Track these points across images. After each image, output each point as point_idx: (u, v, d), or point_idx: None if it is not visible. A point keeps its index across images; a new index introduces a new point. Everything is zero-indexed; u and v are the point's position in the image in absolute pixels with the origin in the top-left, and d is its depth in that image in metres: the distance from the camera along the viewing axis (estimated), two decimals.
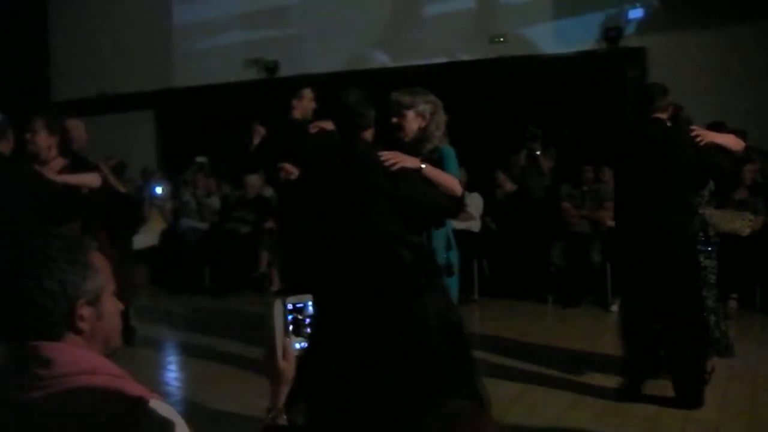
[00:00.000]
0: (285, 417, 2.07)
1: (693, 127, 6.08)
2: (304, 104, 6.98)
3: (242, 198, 11.90)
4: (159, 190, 12.88)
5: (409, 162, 4.69)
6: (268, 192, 11.73)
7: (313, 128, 6.58)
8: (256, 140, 7.06)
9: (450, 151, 5.06)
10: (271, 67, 13.94)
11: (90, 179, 6.22)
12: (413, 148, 4.99)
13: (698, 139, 5.78)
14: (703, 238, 6.24)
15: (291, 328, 2.17)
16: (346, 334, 1.53)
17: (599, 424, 5.58)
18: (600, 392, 6.14)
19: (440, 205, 4.84)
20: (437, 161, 4.94)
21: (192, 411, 5.66)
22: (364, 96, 4.93)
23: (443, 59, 12.78)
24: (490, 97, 12.10)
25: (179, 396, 6.57)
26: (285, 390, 2.10)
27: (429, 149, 5.03)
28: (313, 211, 4.95)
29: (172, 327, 8.81)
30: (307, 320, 2.17)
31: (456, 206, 5.04)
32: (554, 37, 12.28)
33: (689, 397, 5.77)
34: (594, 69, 11.62)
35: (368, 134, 4.88)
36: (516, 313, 9.29)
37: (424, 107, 5.05)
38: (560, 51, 12.10)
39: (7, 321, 1.94)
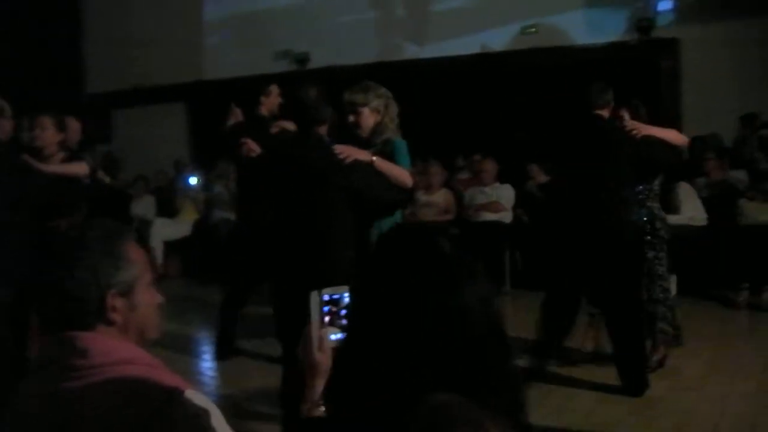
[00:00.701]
0: (321, 408, 2.07)
1: (629, 121, 6.14)
2: (271, 100, 7.19)
3: None
4: (193, 181, 12.95)
5: (361, 155, 4.85)
6: None
7: (274, 128, 6.74)
8: (231, 121, 7.27)
9: (402, 144, 5.20)
10: (302, 59, 13.96)
11: (77, 168, 6.36)
12: (367, 140, 5.16)
13: (634, 132, 5.88)
14: (650, 230, 6.37)
15: (327, 319, 2.15)
16: (385, 326, 1.53)
17: (633, 416, 5.57)
18: None
19: (391, 197, 5.02)
20: (389, 154, 5.10)
21: (225, 401, 5.66)
22: (321, 93, 5.03)
23: (474, 50, 12.75)
24: (522, 88, 12.07)
25: (212, 386, 6.62)
26: (321, 382, 2.09)
27: (382, 141, 5.17)
28: (270, 202, 5.12)
29: (204, 318, 8.84)
30: (343, 311, 2.16)
31: (406, 198, 5.28)
32: (586, 28, 12.24)
33: (633, 383, 5.91)
34: (626, 60, 11.54)
35: (323, 129, 4.97)
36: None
37: (378, 102, 5.17)
38: (592, 42, 12.06)
39: (42, 311, 1.96)
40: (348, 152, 4.78)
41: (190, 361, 7.46)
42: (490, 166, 10.37)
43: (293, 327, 4.84)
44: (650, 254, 6.33)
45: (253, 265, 6.96)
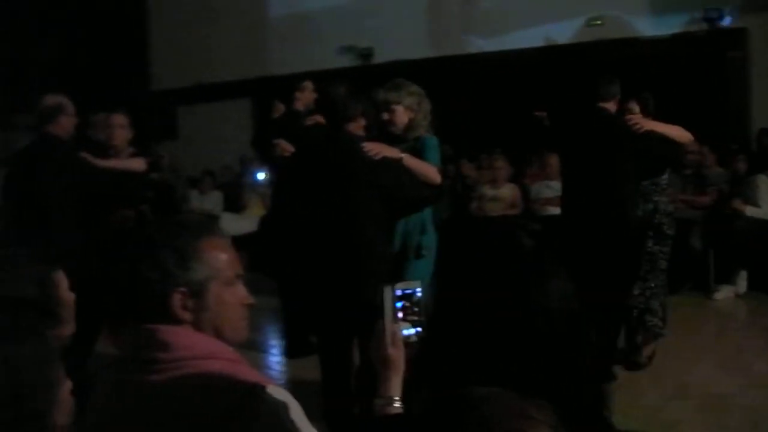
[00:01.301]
0: (397, 405, 2.08)
1: (633, 116, 6.08)
2: (306, 96, 7.16)
3: None
4: (261, 176, 13.03)
5: (390, 152, 4.85)
6: None
7: (309, 121, 6.71)
8: (276, 114, 7.32)
9: (432, 141, 5.22)
10: (366, 54, 13.99)
11: (135, 164, 6.42)
12: (399, 137, 5.18)
13: (636, 127, 5.78)
14: (654, 225, 6.40)
15: (400, 314, 2.15)
16: (467, 323, 1.52)
17: (701, 414, 5.52)
18: (705, 381, 6.06)
19: (419, 194, 5.02)
20: (419, 150, 5.12)
21: (295, 396, 5.68)
22: (351, 90, 5.16)
23: (539, 43, 12.68)
24: (586, 81, 11.94)
25: (282, 381, 6.64)
26: (394, 378, 2.09)
27: (413, 138, 5.20)
28: (301, 199, 5.15)
29: (271, 312, 8.89)
30: (416, 308, 2.16)
31: (435, 194, 5.19)
32: (651, 19, 12.10)
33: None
34: (692, 51, 11.39)
35: (354, 126, 4.97)
36: None
37: (411, 100, 5.19)
38: (657, 33, 11.92)
39: (117, 304, 1.99)
40: (377, 149, 4.80)
41: (258, 356, 7.51)
42: (555, 161, 10.29)
43: (331, 324, 4.92)
44: (654, 248, 6.37)
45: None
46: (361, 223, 4.75)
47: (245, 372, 1.94)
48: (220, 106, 15.46)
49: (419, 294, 2.16)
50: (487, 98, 12.22)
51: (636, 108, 6.29)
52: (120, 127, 6.35)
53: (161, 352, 1.91)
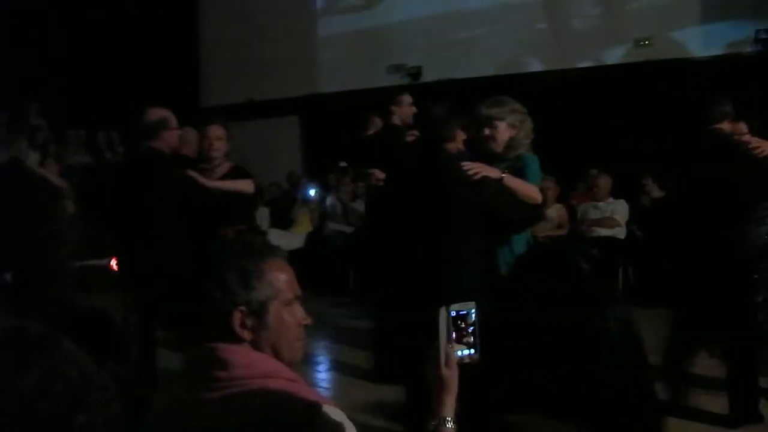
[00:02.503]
0: (450, 426, 2.09)
1: (751, 137, 5.87)
2: (404, 110, 7.10)
3: None
4: (312, 192, 13.12)
5: (491, 172, 4.77)
6: None
7: (409, 136, 6.61)
8: (371, 131, 7.33)
9: (533, 160, 5.11)
10: (414, 73, 14.04)
11: (243, 186, 6.26)
12: (499, 156, 5.09)
13: (757, 151, 5.55)
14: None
15: (454, 335, 2.16)
16: (524, 347, 1.54)
17: None
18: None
19: (520, 214, 4.90)
20: (520, 169, 4.99)
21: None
22: (450, 109, 5.04)
23: (588, 64, 12.65)
24: (636, 102, 11.89)
25: (329, 398, 6.62)
26: (447, 398, 2.11)
27: (513, 156, 5.08)
28: (397, 219, 5.10)
29: (318, 329, 8.92)
30: (470, 328, 2.17)
31: (536, 214, 5.15)
32: (702, 40, 12.02)
33: (743, 412, 5.57)
34: (743, 72, 11.29)
35: (452, 146, 4.94)
36: (661, 321, 9.02)
37: (514, 117, 5.11)
38: (709, 54, 11.84)
39: (179, 322, 2.02)
40: (477, 168, 4.71)
41: (305, 372, 7.47)
42: (603, 182, 10.27)
43: (418, 345, 4.88)
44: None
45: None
46: (458, 243, 4.66)
47: (302, 391, 1.97)
48: (269, 122, 15.56)
49: (474, 315, 2.18)
50: (534, 119, 12.21)
51: (744, 128, 6.18)
52: (218, 139, 6.21)
53: (220, 370, 1.94)
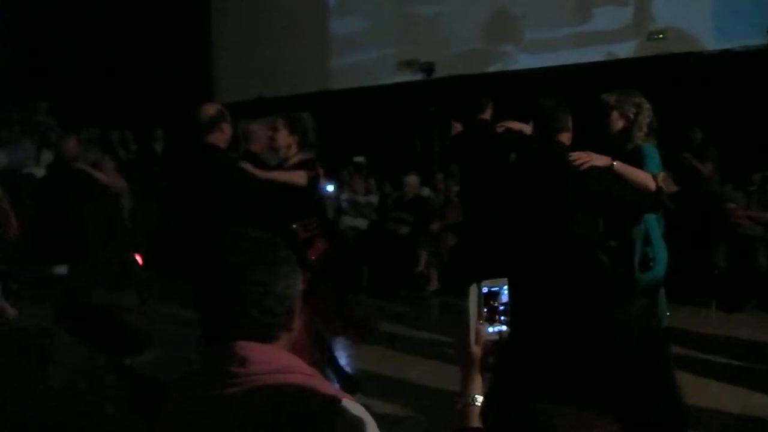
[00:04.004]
0: (479, 403, 2.07)
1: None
2: (491, 109, 7.77)
3: (400, 198, 11.97)
4: (330, 188, 13.11)
5: (600, 161, 4.91)
6: (425, 192, 11.84)
7: (499, 128, 6.92)
8: (453, 132, 7.88)
9: (651, 150, 5.22)
10: (427, 69, 14.02)
11: (295, 177, 6.17)
12: (616, 146, 5.25)
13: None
14: None
15: (485, 312, 2.13)
16: (545, 339, 1.53)
17: None
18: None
19: (631, 200, 5.02)
20: (638, 160, 5.12)
21: (366, 408, 5.63)
22: (560, 101, 5.23)
23: (600, 58, 12.61)
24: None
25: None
26: (476, 376, 2.08)
27: (630, 148, 5.23)
28: (507, 209, 5.39)
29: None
30: (501, 307, 2.13)
31: (651, 201, 5.13)
32: (715, 33, 11.97)
33: None
34: (759, 66, 11.23)
35: (564, 137, 5.12)
36: (677, 317, 9.02)
37: (629, 108, 5.28)
38: (722, 47, 11.79)
39: (224, 323, 2.01)
40: (584, 158, 4.87)
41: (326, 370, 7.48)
42: None
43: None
44: None
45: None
46: (565, 228, 4.77)
47: (322, 386, 1.97)
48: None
49: (506, 292, 2.15)
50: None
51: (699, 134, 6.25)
52: (276, 130, 6.27)
53: (239, 366, 1.93)
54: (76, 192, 9.60)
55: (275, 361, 1.98)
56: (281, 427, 1.86)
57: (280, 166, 6.28)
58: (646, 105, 5.31)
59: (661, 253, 5.24)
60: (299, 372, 1.99)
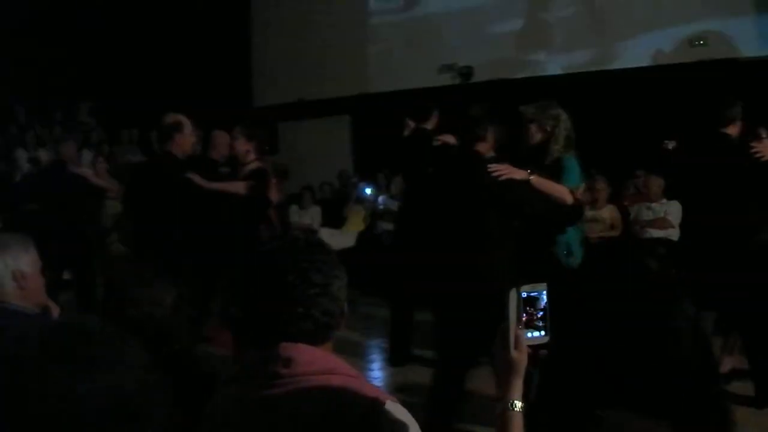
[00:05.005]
0: (518, 409, 2.07)
1: (756, 144, 5.93)
2: (435, 118, 7.51)
3: None
4: (368, 191, 13.14)
5: (517, 174, 4.91)
6: None
7: (436, 141, 6.89)
8: (406, 132, 7.54)
9: (571, 163, 5.31)
10: (465, 73, 14.01)
11: (235, 187, 6.61)
12: (534, 158, 5.29)
13: (759, 155, 5.71)
14: None
15: (524, 317, 2.13)
16: (595, 343, 1.53)
17: None
18: None
19: (547, 213, 5.04)
20: (557, 172, 5.19)
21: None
22: (487, 111, 5.23)
23: (642, 63, 12.55)
24: (690, 102, 11.75)
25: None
26: (516, 381, 2.09)
27: (550, 160, 5.30)
28: (426, 217, 5.38)
29: (370, 326, 8.93)
30: (541, 312, 2.14)
31: (568, 214, 5.13)
32: (758, 39, 11.86)
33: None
34: None
35: (483, 147, 5.12)
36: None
37: (546, 121, 5.32)
38: (764, 53, 11.68)
39: (276, 325, 2.01)
40: (503, 170, 4.88)
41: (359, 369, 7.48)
42: (655, 183, 10.17)
43: (449, 342, 4.99)
44: None
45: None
46: (482, 242, 4.84)
47: (366, 388, 1.97)
48: (321, 122, 15.64)
49: (545, 298, 2.16)
50: (588, 119, 12.12)
51: (764, 133, 6.15)
52: (233, 139, 6.66)
53: (283, 367, 1.94)
54: (73, 195, 9.76)
55: (320, 362, 1.98)
56: (325, 429, 1.87)
57: (235, 171, 6.71)
58: (564, 117, 5.33)
59: (575, 262, 5.25)
60: (343, 373, 1.99)
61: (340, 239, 12.13)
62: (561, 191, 5.02)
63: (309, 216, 12.98)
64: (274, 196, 6.69)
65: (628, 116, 12.02)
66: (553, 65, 13.47)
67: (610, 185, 10.53)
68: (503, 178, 4.85)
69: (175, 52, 15.47)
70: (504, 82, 12.94)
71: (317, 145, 15.42)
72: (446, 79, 14.11)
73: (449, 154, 5.89)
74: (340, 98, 15.20)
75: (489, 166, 4.91)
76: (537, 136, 5.32)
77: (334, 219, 12.99)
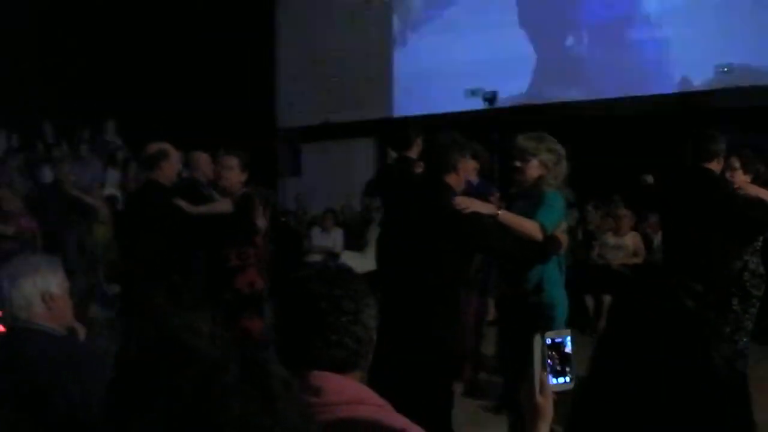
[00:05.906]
0: None
1: (734, 178, 5.99)
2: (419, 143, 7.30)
3: None
4: None
5: (484, 208, 4.86)
6: None
7: (418, 167, 6.68)
8: (388, 161, 7.72)
9: (553, 197, 5.00)
10: (490, 98, 14.02)
11: (220, 206, 6.50)
12: (519, 188, 5.21)
13: (740, 191, 5.75)
14: (741, 284, 6.00)
15: (549, 363, 2.15)
16: (629, 385, 1.51)
17: None
18: None
19: (514, 251, 4.92)
20: (535, 205, 4.94)
21: None
22: (457, 141, 5.13)
23: (670, 90, 12.53)
24: (717, 130, 11.69)
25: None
26: (542, 426, 2.10)
27: (536, 192, 5.04)
28: (395, 246, 5.36)
29: None
30: (565, 358, 2.16)
31: (535, 251, 4.95)
32: None
33: None
34: None
35: (453, 178, 5.04)
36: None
37: (548, 157, 5.02)
38: None
39: (310, 353, 2.01)
40: (467, 204, 4.81)
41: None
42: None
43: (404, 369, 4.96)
44: (739, 307, 5.93)
45: None
46: (437, 272, 4.84)
47: (392, 417, 1.98)
48: (344, 144, 15.68)
49: (569, 344, 2.17)
50: (611, 145, 12.11)
51: (737, 163, 6.12)
52: (228, 169, 6.43)
53: (313, 396, 1.94)
54: (67, 216, 9.87)
55: (349, 391, 1.99)
56: None
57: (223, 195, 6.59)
58: (562, 152, 5.08)
59: (553, 300, 5.04)
60: (372, 403, 2.00)
61: (362, 262, 12.12)
62: (530, 228, 4.83)
63: (331, 239, 12.98)
64: (261, 222, 6.61)
65: (653, 143, 12.00)
66: (581, 92, 13.47)
67: (632, 212, 10.51)
68: (468, 211, 4.77)
69: (201, 74, 15.56)
70: (529, 108, 12.95)
71: (340, 167, 15.45)
72: (472, 104, 14.10)
73: (413, 183, 5.78)
74: (364, 121, 15.24)
75: (455, 199, 4.85)
76: (535, 171, 5.01)
77: (356, 242, 12.98)
